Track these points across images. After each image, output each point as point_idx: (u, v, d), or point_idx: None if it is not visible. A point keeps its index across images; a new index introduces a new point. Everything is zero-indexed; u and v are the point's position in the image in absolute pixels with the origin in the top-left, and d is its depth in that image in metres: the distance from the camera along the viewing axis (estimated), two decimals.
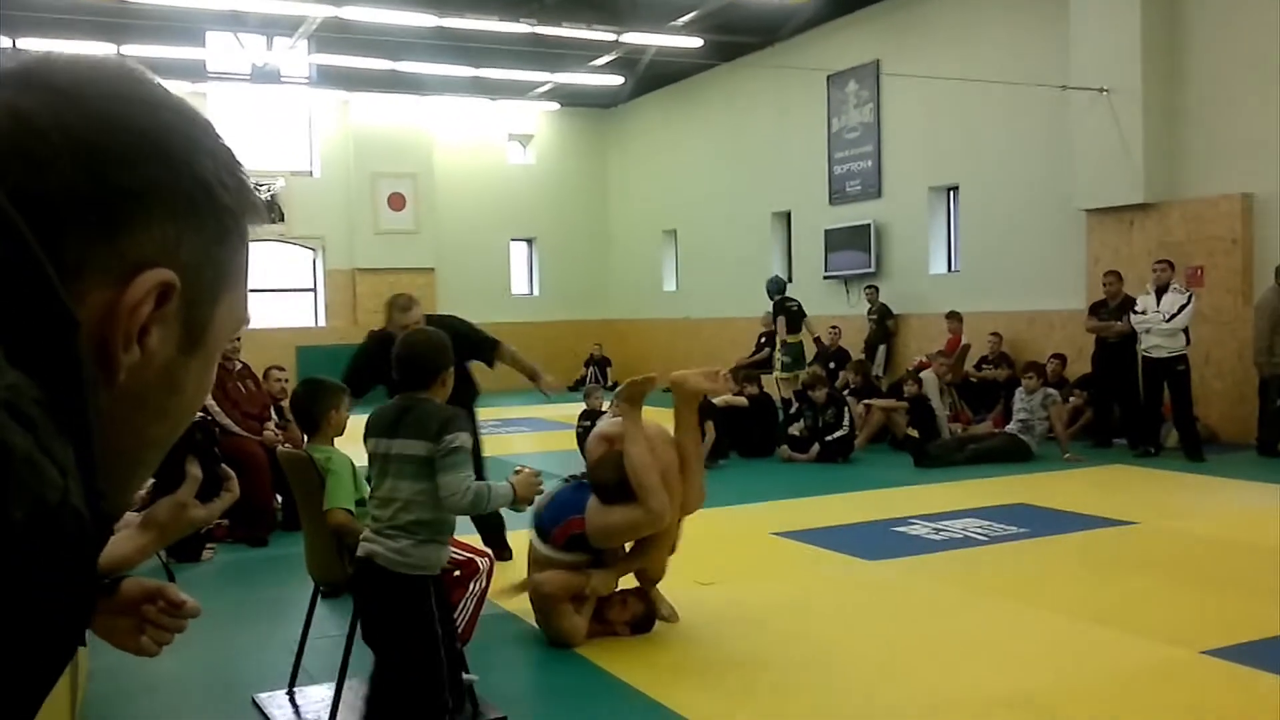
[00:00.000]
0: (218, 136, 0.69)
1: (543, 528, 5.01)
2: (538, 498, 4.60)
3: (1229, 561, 6.44)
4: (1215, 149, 11.56)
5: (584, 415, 11.14)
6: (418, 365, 3.70)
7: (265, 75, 19.37)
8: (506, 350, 6.52)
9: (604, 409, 11.06)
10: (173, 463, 0.99)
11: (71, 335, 0.58)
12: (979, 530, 7.38)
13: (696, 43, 16.82)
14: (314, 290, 21.30)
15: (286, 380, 8.49)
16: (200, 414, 5.67)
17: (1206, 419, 11.08)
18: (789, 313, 14.92)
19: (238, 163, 0.70)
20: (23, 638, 0.52)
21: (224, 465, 1.87)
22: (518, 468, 4.01)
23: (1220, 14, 11.47)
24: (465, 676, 4.31)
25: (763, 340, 16.19)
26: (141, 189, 0.63)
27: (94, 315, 0.61)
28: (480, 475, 4.89)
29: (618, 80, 19.94)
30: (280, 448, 5.63)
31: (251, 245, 0.72)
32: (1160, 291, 10.59)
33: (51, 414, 0.55)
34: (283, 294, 20.75)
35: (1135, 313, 10.75)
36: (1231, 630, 4.99)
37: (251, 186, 0.71)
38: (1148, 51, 11.84)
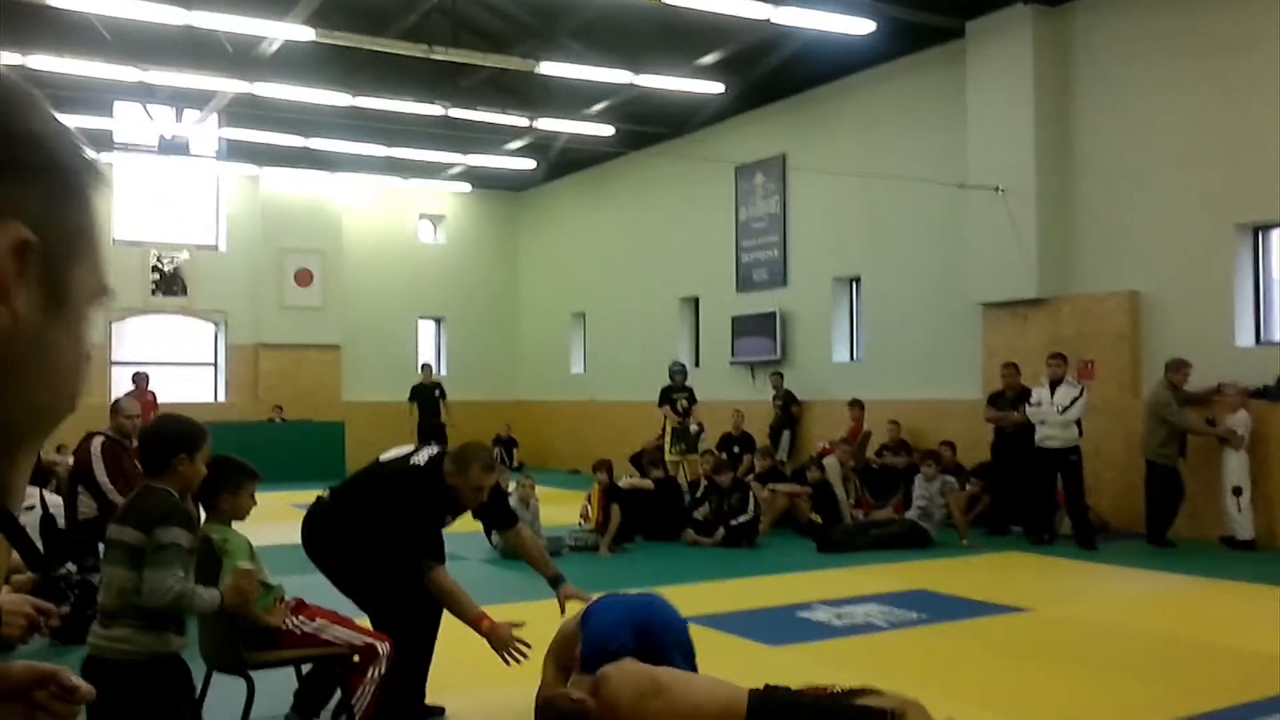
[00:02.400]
0: (45, 103, 0.71)
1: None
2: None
3: (1119, 647, 6.60)
4: (1105, 248, 12.07)
5: None
6: (152, 450, 3.61)
7: (173, 147, 19.18)
8: (524, 532, 5.78)
9: (510, 489, 10.99)
10: None
11: None
12: (880, 616, 7.46)
13: (608, 131, 17.12)
14: (215, 365, 20.90)
15: None
16: (97, 492, 5.43)
17: (1098, 508, 11.40)
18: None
19: (66, 126, 0.72)
20: None
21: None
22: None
23: (1111, 120, 12.06)
24: None
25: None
26: None
27: None
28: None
29: (530, 164, 20.15)
30: None
31: (96, 206, 0.73)
32: (1054, 384, 10.94)
33: None
34: (182, 368, 20.33)
35: (1030, 405, 11.09)
36: (1122, 715, 5.11)
37: (83, 146, 0.72)
38: (1040, 154, 12.38)
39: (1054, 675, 5.95)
